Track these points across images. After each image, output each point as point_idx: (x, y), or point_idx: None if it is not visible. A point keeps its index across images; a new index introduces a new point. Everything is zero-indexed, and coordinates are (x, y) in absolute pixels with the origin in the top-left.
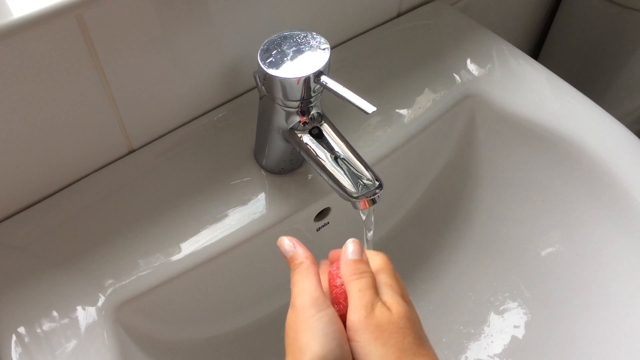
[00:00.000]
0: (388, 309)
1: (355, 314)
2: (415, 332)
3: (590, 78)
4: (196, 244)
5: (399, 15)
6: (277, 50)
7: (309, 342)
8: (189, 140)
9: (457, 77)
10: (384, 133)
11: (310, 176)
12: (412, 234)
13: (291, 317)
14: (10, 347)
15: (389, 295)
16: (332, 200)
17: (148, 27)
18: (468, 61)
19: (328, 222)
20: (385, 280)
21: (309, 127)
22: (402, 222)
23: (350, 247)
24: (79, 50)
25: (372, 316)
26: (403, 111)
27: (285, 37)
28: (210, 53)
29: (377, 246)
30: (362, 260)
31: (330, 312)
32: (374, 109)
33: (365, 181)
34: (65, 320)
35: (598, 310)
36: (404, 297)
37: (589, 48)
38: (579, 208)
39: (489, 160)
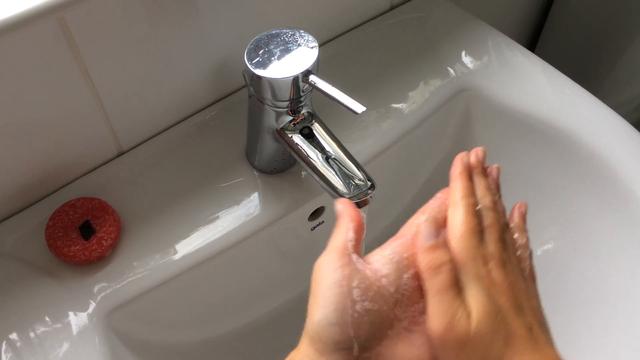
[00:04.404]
0: (468, 314)
1: (432, 325)
2: (499, 335)
3: (588, 68)
4: (189, 246)
5: (391, 8)
6: (264, 49)
7: (311, 305)
8: (180, 141)
9: (452, 71)
10: (378, 129)
11: (303, 174)
12: None
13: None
14: (0, 353)
15: (472, 291)
16: (326, 199)
17: (135, 27)
18: (463, 54)
19: (323, 221)
20: (467, 271)
21: (299, 127)
22: (399, 220)
23: (423, 229)
24: (62, 53)
25: (451, 329)
26: (397, 106)
27: (272, 36)
28: (200, 51)
29: (373, 244)
30: (438, 245)
31: (338, 274)
32: (364, 109)
33: (357, 181)
34: (57, 326)
35: (597, 305)
36: (495, 282)
37: (587, 38)
38: (577, 202)
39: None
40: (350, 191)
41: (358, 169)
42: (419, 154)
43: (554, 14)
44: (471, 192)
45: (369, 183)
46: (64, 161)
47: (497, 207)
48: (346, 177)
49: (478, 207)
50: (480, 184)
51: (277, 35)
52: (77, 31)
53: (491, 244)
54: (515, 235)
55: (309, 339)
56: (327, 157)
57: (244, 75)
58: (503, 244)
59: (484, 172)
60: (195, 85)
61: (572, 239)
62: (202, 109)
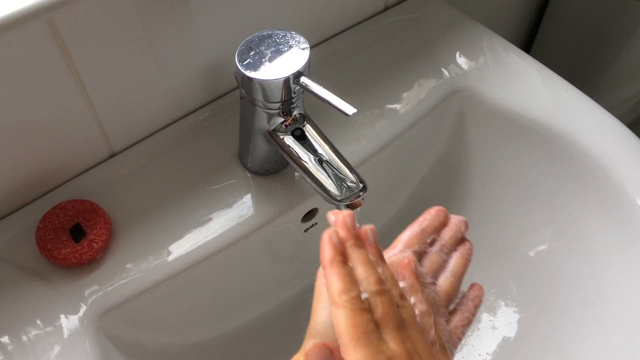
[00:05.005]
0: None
1: None
2: None
3: (583, 69)
4: (181, 248)
5: (386, 9)
6: (255, 51)
7: (315, 307)
8: (172, 142)
9: (446, 72)
10: (372, 130)
11: (296, 176)
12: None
13: None
14: None
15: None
16: (318, 201)
17: (126, 28)
18: (457, 55)
19: (316, 223)
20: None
21: (291, 128)
22: (392, 221)
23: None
24: (52, 55)
25: None
26: (391, 107)
27: (263, 37)
28: (192, 52)
29: None
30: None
31: None
32: (354, 110)
33: (349, 183)
34: (48, 330)
35: (591, 307)
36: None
37: (582, 39)
38: (571, 203)
39: (479, 156)
40: (342, 193)
41: (350, 171)
42: (413, 155)
43: (549, 15)
44: (350, 281)
45: (361, 185)
46: (54, 163)
47: (384, 276)
48: (338, 179)
49: (364, 297)
50: (358, 260)
51: (269, 36)
52: (66, 32)
53: (391, 341)
54: (413, 301)
55: (312, 340)
56: (319, 159)
57: (235, 77)
58: (403, 331)
59: (359, 241)
60: (187, 87)
61: (566, 240)
62: (195, 110)
